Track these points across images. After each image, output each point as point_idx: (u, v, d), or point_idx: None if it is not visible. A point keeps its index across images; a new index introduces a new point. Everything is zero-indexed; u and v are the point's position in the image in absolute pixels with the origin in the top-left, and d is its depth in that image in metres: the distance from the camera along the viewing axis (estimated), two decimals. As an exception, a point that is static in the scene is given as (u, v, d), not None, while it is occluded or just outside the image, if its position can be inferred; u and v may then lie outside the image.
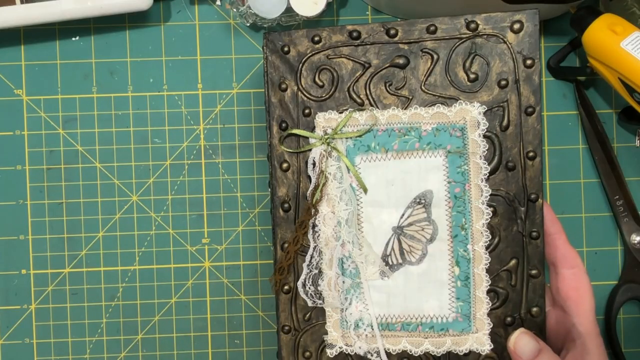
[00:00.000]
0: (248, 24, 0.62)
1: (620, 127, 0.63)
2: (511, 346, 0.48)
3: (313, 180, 0.51)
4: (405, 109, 0.50)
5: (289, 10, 0.58)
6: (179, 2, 0.62)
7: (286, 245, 0.52)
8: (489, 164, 0.49)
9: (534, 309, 0.49)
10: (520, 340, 0.48)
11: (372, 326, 0.51)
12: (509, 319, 0.50)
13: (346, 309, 0.51)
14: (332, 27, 0.51)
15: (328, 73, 0.51)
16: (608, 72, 0.56)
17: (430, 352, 0.50)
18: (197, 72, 0.62)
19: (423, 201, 0.50)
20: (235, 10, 0.60)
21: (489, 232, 0.49)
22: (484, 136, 0.49)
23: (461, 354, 0.50)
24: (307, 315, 0.52)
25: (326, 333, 0.52)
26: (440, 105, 0.50)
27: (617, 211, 0.61)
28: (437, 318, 0.50)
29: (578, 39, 0.58)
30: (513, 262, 0.50)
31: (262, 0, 0.58)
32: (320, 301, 0.51)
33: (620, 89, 0.56)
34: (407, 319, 0.51)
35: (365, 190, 0.51)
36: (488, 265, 0.49)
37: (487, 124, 0.49)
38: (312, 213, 0.51)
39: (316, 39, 0.51)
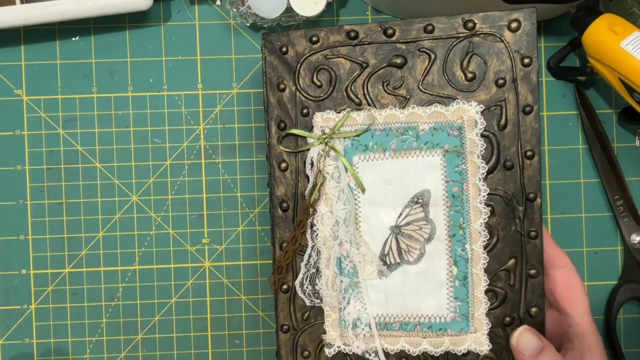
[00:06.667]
0: (248, 24, 0.62)
1: (620, 127, 0.62)
2: (514, 343, 0.48)
3: (311, 179, 0.51)
4: (402, 108, 0.50)
5: (289, 10, 0.59)
6: (179, 2, 0.62)
7: (285, 244, 0.52)
8: (486, 163, 0.49)
9: (533, 309, 0.49)
10: (523, 337, 0.47)
11: (370, 326, 0.51)
12: (507, 319, 0.49)
13: (344, 308, 0.51)
14: (330, 27, 0.51)
15: (326, 73, 0.51)
16: (608, 72, 0.56)
17: (429, 352, 0.50)
18: (197, 72, 0.62)
19: (421, 200, 0.50)
20: (235, 10, 0.60)
21: (487, 231, 0.49)
22: (482, 135, 0.49)
23: (459, 354, 0.50)
24: (306, 315, 0.52)
25: (325, 332, 0.52)
26: (437, 104, 0.49)
27: (617, 211, 0.61)
28: (435, 318, 0.50)
29: (578, 39, 0.57)
30: (511, 261, 0.49)
31: (262, 0, 0.58)
32: (318, 300, 0.51)
33: (620, 89, 0.56)
34: (405, 319, 0.51)
35: (363, 190, 0.50)
36: (486, 264, 0.49)
37: (485, 123, 0.49)
38: (310, 212, 0.51)
39: (314, 39, 0.51)
